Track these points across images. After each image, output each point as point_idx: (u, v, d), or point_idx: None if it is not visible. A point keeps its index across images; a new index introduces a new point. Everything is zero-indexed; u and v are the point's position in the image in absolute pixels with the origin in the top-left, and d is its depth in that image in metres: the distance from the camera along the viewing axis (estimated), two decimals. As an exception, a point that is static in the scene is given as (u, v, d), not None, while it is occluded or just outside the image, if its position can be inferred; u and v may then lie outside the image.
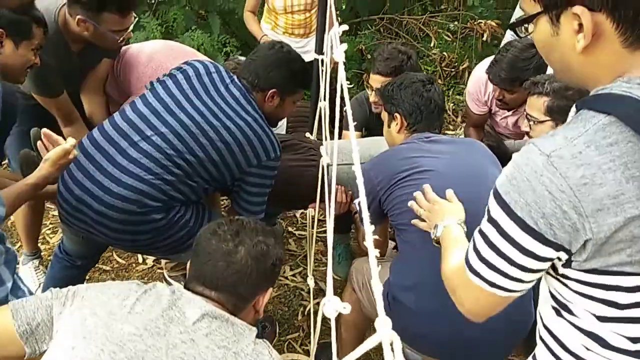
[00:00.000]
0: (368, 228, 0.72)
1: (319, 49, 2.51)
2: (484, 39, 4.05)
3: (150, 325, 1.00)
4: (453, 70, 4.34)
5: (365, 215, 0.74)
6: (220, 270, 1.10)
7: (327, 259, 2.60)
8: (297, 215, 2.96)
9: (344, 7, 4.35)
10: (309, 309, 2.25)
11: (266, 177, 1.72)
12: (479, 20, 4.03)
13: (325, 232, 2.79)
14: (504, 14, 4.26)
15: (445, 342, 1.48)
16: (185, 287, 1.11)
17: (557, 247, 0.69)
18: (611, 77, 0.69)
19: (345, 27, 1.43)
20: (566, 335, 0.80)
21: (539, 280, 0.82)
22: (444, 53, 4.25)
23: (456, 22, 4.35)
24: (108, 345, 0.97)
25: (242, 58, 2.38)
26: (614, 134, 0.65)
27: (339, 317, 1.82)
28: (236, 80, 1.73)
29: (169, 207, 1.64)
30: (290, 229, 2.87)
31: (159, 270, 2.46)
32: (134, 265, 2.51)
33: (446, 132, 3.77)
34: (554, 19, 0.70)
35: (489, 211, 0.76)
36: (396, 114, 1.69)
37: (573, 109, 0.76)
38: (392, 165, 1.59)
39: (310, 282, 1.80)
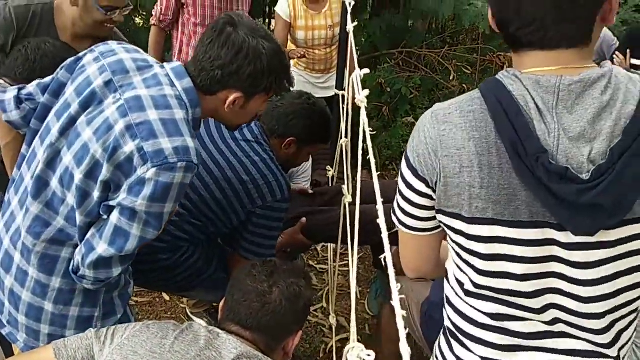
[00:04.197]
0: (388, 250, 0.78)
1: (340, 85, 2.56)
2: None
3: None
4: (473, 102, 4.36)
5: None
6: (255, 311, 1.14)
7: (349, 292, 2.60)
8: (318, 248, 2.96)
9: (363, 41, 4.43)
10: (331, 346, 2.24)
11: (272, 219, 1.68)
12: (498, 53, 4.06)
13: (347, 265, 2.79)
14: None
15: None
16: (220, 327, 1.14)
17: (425, 182, 0.88)
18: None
19: (367, 70, 1.47)
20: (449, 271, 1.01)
21: None
22: (463, 85, 4.29)
23: (475, 55, 4.39)
24: None
25: None
26: (475, 104, 0.83)
27: (379, 330, 1.82)
28: (252, 124, 1.73)
29: (174, 248, 1.63)
30: (311, 262, 2.87)
31: (181, 306, 2.47)
32: (157, 299, 2.53)
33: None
34: None
35: None
36: None
37: None
38: None
39: (333, 320, 1.79)
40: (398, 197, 0.95)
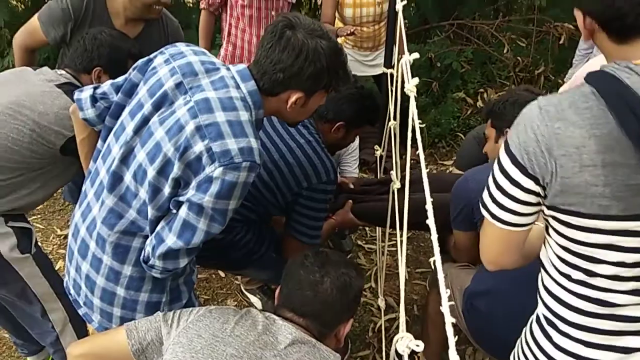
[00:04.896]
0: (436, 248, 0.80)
1: (388, 63, 2.52)
2: (561, 42, 3.88)
3: (249, 348, 1.09)
4: (528, 75, 4.18)
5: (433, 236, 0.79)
6: (308, 299, 1.19)
7: (396, 271, 2.62)
8: (367, 228, 2.99)
9: (412, 13, 4.32)
10: (379, 325, 2.28)
11: (318, 200, 1.71)
12: (556, 24, 3.86)
13: (395, 245, 2.80)
14: (584, 13, 4.04)
15: (512, 344, 1.50)
16: (275, 313, 1.21)
17: (535, 180, 0.87)
18: (611, 60, 0.89)
19: (416, 55, 1.45)
20: (544, 264, 1.02)
21: None
22: (518, 57, 4.11)
23: (531, 26, 4.18)
24: None
25: None
26: (591, 100, 0.82)
27: (427, 315, 1.85)
28: None
29: (229, 228, 1.64)
30: (359, 242, 2.91)
31: (236, 282, 2.58)
32: (213, 276, 2.65)
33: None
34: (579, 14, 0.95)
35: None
36: (507, 130, 1.70)
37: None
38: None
39: (382, 303, 1.82)
40: (495, 191, 0.94)
